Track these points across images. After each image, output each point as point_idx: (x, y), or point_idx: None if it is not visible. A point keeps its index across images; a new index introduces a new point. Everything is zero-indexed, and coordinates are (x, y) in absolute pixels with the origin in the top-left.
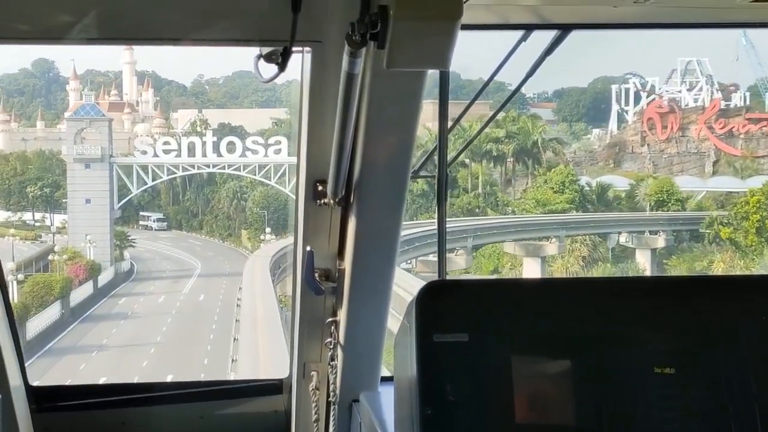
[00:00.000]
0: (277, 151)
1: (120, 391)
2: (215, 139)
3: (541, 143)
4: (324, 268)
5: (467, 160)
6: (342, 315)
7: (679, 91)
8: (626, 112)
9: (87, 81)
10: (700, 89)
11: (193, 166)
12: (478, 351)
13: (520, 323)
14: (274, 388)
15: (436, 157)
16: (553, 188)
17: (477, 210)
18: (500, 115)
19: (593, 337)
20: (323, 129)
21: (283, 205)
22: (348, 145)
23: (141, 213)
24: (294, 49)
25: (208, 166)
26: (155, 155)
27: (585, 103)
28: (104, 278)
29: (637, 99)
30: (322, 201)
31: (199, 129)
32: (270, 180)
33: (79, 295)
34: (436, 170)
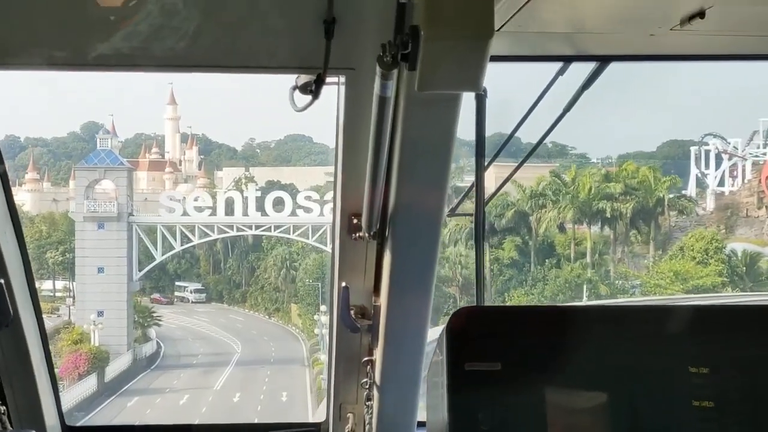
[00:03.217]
0: None
1: None
2: (259, 194)
3: (667, 201)
4: (359, 305)
5: (565, 223)
6: (378, 354)
7: (765, 153)
8: (706, 176)
9: (134, 143)
10: None
11: (231, 227)
12: (511, 380)
13: (554, 351)
14: (313, 431)
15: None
16: (694, 257)
17: (587, 284)
18: (613, 169)
19: (629, 367)
20: (358, 160)
21: None
22: (382, 174)
23: (176, 283)
24: (329, 80)
25: (250, 227)
26: (185, 213)
27: (654, 167)
28: (117, 367)
29: (718, 162)
30: (357, 235)
31: (242, 186)
32: (326, 245)
33: (74, 395)
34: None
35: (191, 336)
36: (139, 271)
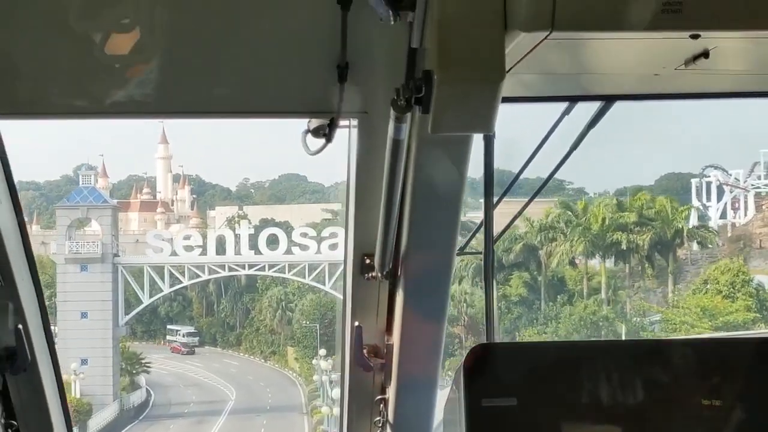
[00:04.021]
0: (333, 246)
1: None
2: (252, 231)
3: (686, 232)
4: (372, 344)
5: (576, 257)
6: (391, 392)
7: (766, 185)
8: (708, 208)
9: (126, 185)
10: None
11: (223, 267)
12: (527, 416)
13: (570, 387)
14: None
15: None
16: (720, 291)
17: (602, 323)
18: (626, 198)
19: (643, 402)
20: (371, 200)
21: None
22: (395, 215)
23: (168, 326)
24: (341, 123)
25: (243, 267)
26: (173, 253)
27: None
28: (101, 420)
29: (720, 194)
30: (370, 275)
31: (235, 224)
32: (324, 284)
33: None
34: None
35: (183, 382)
36: (126, 315)
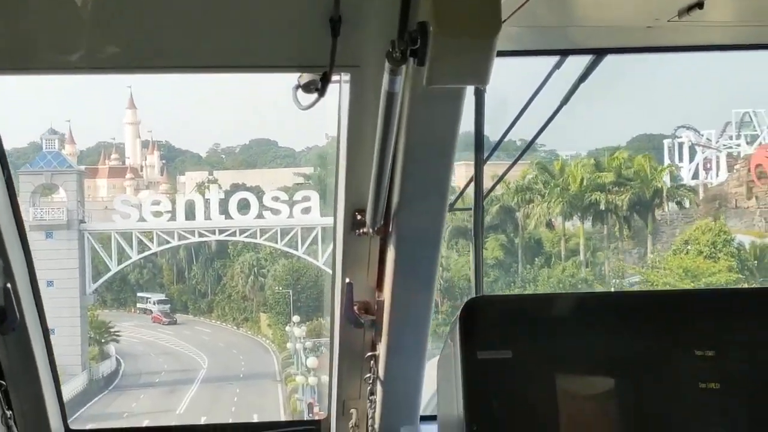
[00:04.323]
0: (306, 210)
1: None
2: (222, 196)
3: (666, 192)
4: (363, 300)
5: (553, 218)
6: (381, 349)
7: (738, 145)
8: (680, 168)
9: (95, 152)
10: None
11: (192, 233)
12: (522, 368)
13: (563, 339)
14: (314, 429)
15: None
16: (701, 252)
17: (580, 285)
18: (605, 158)
19: (637, 352)
20: (362, 156)
21: (314, 282)
22: (387, 170)
23: (139, 294)
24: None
25: (214, 232)
26: (141, 219)
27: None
28: (70, 390)
29: (692, 154)
30: (361, 231)
31: (204, 189)
32: (297, 249)
33: None
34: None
35: (154, 351)
36: (94, 283)
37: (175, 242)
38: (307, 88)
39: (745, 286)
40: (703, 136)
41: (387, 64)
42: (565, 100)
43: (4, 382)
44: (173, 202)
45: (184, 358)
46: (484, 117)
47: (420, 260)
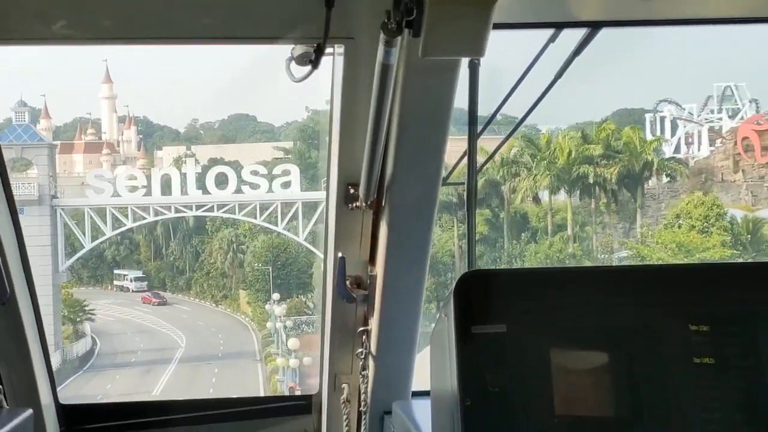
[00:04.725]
0: (286, 184)
1: (148, 409)
2: (199, 170)
3: (657, 165)
4: (355, 275)
5: (540, 192)
6: (374, 323)
7: (720, 119)
8: (664, 142)
9: (72, 128)
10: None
11: (169, 208)
12: (517, 342)
13: (558, 313)
14: (305, 404)
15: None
16: (694, 226)
17: (568, 261)
18: (592, 130)
19: (631, 327)
20: (355, 129)
21: (294, 258)
22: (381, 143)
23: (115, 271)
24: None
25: (191, 208)
26: (115, 194)
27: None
28: None
29: (674, 128)
30: (354, 204)
31: (181, 164)
32: (277, 225)
33: None
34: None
35: (130, 329)
36: (67, 260)
37: (150, 218)
38: (300, 60)
39: (740, 260)
40: (684, 110)
41: (382, 36)
42: (560, 74)
43: None
44: (149, 177)
45: (162, 336)
46: (477, 90)
47: (413, 234)
